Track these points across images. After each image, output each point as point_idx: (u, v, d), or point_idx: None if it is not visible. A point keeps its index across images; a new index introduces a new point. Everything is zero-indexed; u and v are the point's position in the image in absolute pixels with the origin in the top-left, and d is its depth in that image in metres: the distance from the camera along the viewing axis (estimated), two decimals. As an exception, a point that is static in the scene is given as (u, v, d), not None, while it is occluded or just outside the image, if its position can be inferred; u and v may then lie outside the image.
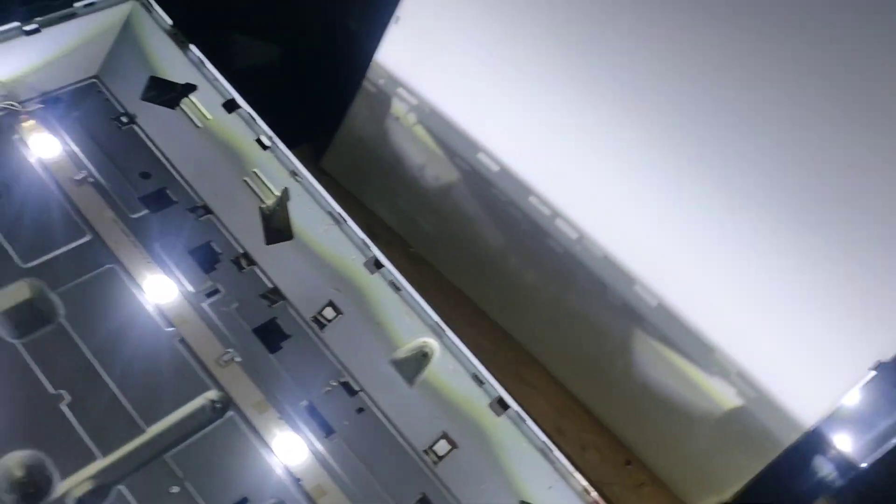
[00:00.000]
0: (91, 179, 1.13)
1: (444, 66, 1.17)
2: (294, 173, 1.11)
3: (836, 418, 1.05)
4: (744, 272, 1.04)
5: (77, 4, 1.16)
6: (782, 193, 1.00)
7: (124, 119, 1.21)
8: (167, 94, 1.20)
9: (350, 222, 1.10)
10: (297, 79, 1.35)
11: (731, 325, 1.06)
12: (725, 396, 1.09)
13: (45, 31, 1.12)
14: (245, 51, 1.38)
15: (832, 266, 1.00)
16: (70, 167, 1.14)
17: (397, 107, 1.23)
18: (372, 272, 1.06)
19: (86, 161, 1.15)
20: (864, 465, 1.02)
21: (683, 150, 1.04)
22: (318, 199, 1.11)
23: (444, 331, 1.04)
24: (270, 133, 1.15)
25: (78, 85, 1.23)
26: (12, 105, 1.16)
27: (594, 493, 0.99)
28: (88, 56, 1.21)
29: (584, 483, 0.99)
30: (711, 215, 1.04)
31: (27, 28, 1.11)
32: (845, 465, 1.05)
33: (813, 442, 1.07)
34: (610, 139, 1.09)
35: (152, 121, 1.20)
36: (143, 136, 1.21)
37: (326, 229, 1.10)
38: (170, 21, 1.18)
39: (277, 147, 1.14)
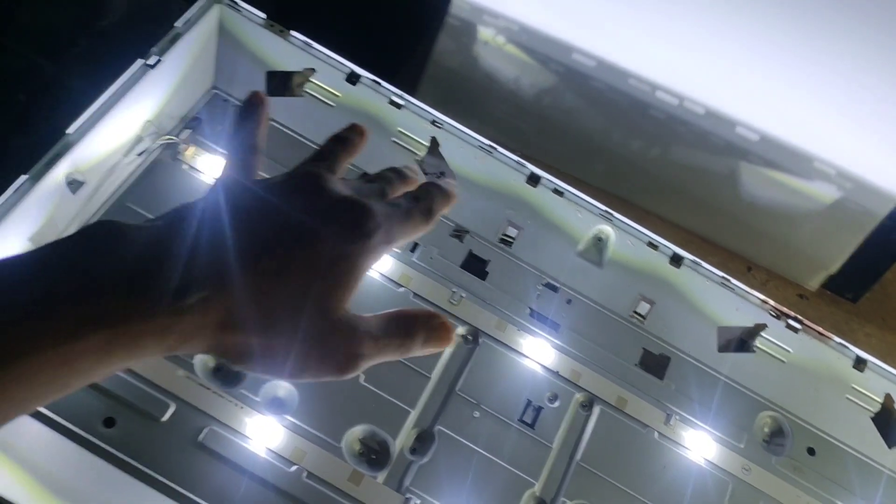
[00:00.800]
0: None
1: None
2: (434, 122, 1.22)
3: (920, 183, 1.31)
4: (825, 85, 1.25)
5: (177, 24, 1.19)
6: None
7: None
8: (289, 83, 1.26)
9: (500, 149, 1.23)
10: (381, 26, 1.43)
11: (824, 133, 1.28)
12: (825, 192, 1.33)
13: (165, 59, 1.15)
14: (330, 13, 1.44)
15: None
16: (246, 178, 1.21)
17: (484, 33, 1.34)
18: (535, 186, 1.21)
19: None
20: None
21: None
22: (463, 136, 1.23)
23: (612, 214, 1.22)
24: (399, 92, 1.25)
25: (204, 100, 1.27)
26: (171, 139, 1.20)
27: (771, 302, 1.23)
28: (200, 69, 1.26)
29: (761, 297, 1.22)
30: (787, 43, 1.23)
31: (150, 62, 1.14)
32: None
33: (902, 207, 1.32)
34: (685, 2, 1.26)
35: (287, 112, 1.27)
36: (284, 129, 1.28)
37: (482, 161, 1.23)
38: (262, 14, 1.23)
39: (411, 103, 1.24)
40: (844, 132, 1.33)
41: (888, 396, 1.24)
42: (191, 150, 1.20)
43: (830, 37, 1.25)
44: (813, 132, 1.34)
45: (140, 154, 1.18)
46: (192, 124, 1.23)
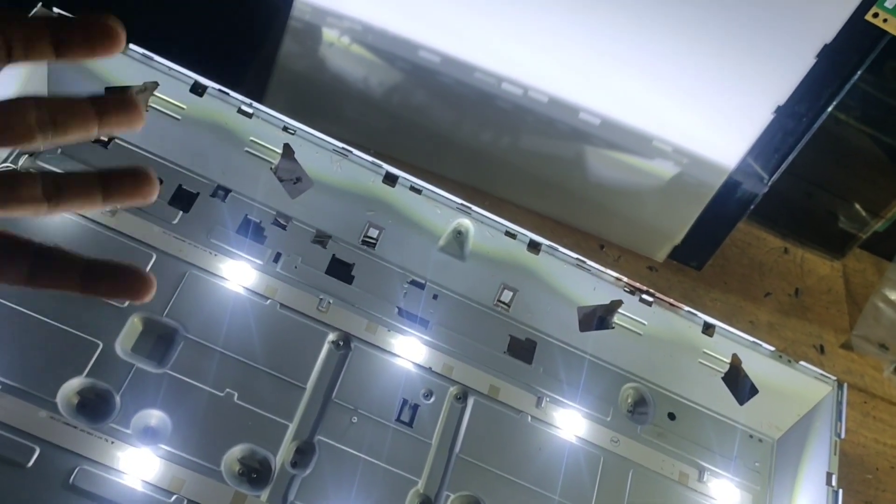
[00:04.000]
0: (119, 206, 1.17)
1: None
2: (286, 128, 1.22)
3: (748, 157, 1.42)
4: (656, 65, 1.32)
5: (3, 43, 1.13)
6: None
7: (104, 138, 1.22)
8: (131, 98, 1.22)
9: (356, 152, 1.24)
10: (222, 34, 1.40)
11: (659, 114, 1.35)
12: (665, 169, 1.41)
13: None
14: (169, 24, 1.39)
15: (721, 35, 1.30)
16: (94, 202, 1.16)
17: (329, 34, 1.33)
18: (393, 186, 1.23)
19: (102, 190, 1.18)
20: (773, 178, 1.38)
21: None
22: (317, 141, 1.23)
23: (469, 208, 1.25)
24: (248, 100, 1.23)
25: (39, 122, 1.21)
26: (7, 166, 1.14)
27: (625, 279, 1.30)
28: (33, 88, 1.20)
29: (615, 275, 1.29)
30: (618, 30, 1.30)
31: None
32: (758, 184, 1.42)
33: (735, 179, 1.43)
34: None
35: (131, 129, 1.23)
36: (130, 147, 1.24)
37: (338, 164, 1.23)
38: (94, 27, 1.18)
39: (261, 110, 1.23)
40: (677, 111, 1.41)
41: (734, 356, 1.33)
42: (30, 178, 1.14)
43: (657, 22, 1.32)
44: (649, 113, 1.41)
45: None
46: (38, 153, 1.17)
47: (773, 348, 1.32)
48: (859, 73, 1.32)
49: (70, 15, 1.12)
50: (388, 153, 1.48)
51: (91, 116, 0.47)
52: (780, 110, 1.37)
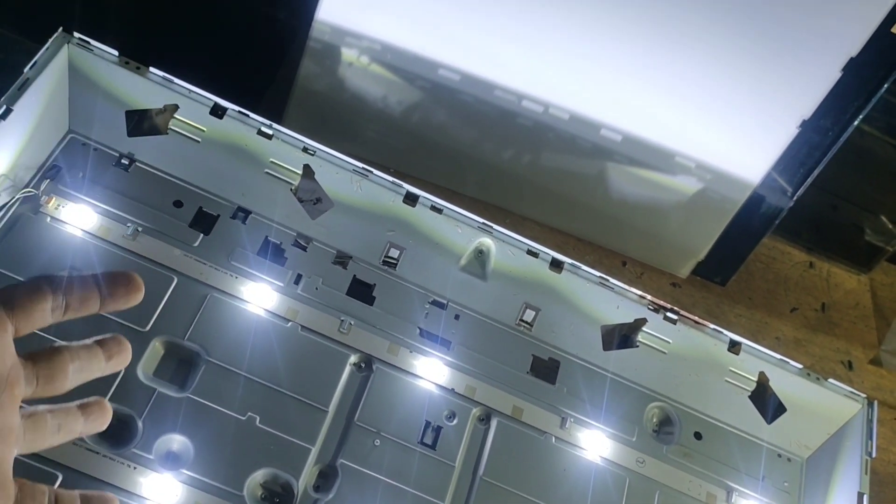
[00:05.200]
0: (140, 228, 1.17)
1: (389, 1, 1.29)
2: (306, 149, 1.21)
3: (773, 172, 1.40)
4: (678, 81, 1.31)
5: (26, 69, 1.14)
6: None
7: (125, 161, 1.22)
8: (151, 122, 1.22)
9: (376, 172, 1.24)
10: (241, 56, 1.40)
11: (682, 130, 1.34)
12: (688, 185, 1.40)
13: (15, 107, 1.10)
14: (188, 47, 1.39)
15: (743, 48, 1.28)
16: (115, 226, 1.16)
17: (348, 54, 1.33)
18: (413, 205, 1.22)
19: (123, 214, 1.18)
20: (798, 192, 1.37)
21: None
22: (337, 162, 1.22)
23: (491, 227, 1.24)
24: (268, 122, 1.23)
25: (61, 146, 1.22)
26: (30, 191, 1.14)
27: (649, 297, 1.28)
28: (54, 114, 1.20)
29: (638, 293, 1.27)
30: (641, 47, 1.29)
31: None
32: (783, 199, 1.40)
33: (759, 194, 1.41)
34: (542, 14, 1.29)
35: (152, 152, 1.23)
36: (151, 170, 1.24)
37: (358, 185, 1.23)
38: (115, 52, 1.19)
39: (280, 132, 1.23)
40: (700, 127, 1.40)
41: (762, 374, 1.31)
42: (53, 202, 1.15)
43: (679, 38, 1.31)
44: (672, 129, 1.39)
45: (-3, 212, 1.12)
46: (50, 173, 1.17)
47: (800, 366, 1.30)
48: (886, 86, 1.30)
49: (90, 41, 1.12)
50: (409, 172, 1.47)
51: (97, 299, 0.57)
52: (805, 125, 1.35)
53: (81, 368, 0.57)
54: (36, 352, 0.58)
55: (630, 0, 1.28)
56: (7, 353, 0.54)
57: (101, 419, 0.63)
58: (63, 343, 0.59)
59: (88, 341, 0.61)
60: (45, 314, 0.56)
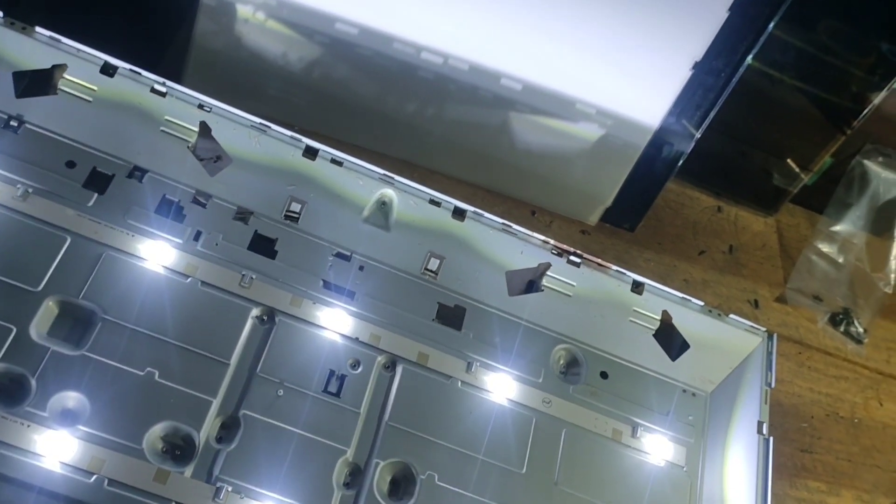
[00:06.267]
0: (31, 190, 1.16)
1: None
2: (201, 106, 1.21)
3: (671, 115, 1.42)
4: (573, 28, 1.32)
5: None
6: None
7: (14, 123, 1.21)
8: (40, 83, 1.21)
9: (274, 127, 1.24)
10: (133, 15, 1.38)
11: (580, 77, 1.36)
12: (590, 131, 1.41)
13: None
14: (77, 7, 1.37)
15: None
16: (4, 188, 1.15)
17: (243, 10, 1.33)
18: (313, 159, 1.22)
19: (13, 176, 1.16)
20: (697, 134, 1.39)
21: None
22: (234, 118, 1.22)
23: (392, 178, 1.25)
24: (161, 79, 1.22)
25: (-56, 111, 1.20)
26: (-88, 155, 1.13)
27: (552, 242, 1.30)
28: (-64, 78, 1.18)
29: (542, 238, 1.29)
30: None
31: None
32: (683, 142, 1.42)
33: (660, 138, 1.44)
34: None
35: (42, 113, 1.21)
36: (41, 131, 1.22)
37: (256, 140, 1.23)
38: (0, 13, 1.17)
39: (175, 89, 1.22)
40: (597, 74, 1.42)
41: (665, 312, 1.34)
42: (-63, 166, 1.12)
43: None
44: (570, 76, 1.41)
45: None
46: (-68, 140, 1.15)
47: (702, 303, 1.33)
48: (772, 24, 1.33)
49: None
50: (313, 129, 1.47)
51: None
52: (697, 66, 1.38)
53: None
54: None
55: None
56: None
57: None
58: None
59: None
60: None
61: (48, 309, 1.10)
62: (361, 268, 1.29)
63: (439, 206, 1.27)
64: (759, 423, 1.25)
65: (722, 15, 1.30)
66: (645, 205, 1.56)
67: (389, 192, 1.28)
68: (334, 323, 1.22)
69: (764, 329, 1.32)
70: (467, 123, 1.47)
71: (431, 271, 1.32)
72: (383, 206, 1.29)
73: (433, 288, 1.31)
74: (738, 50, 1.35)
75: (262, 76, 1.43)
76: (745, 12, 1.30)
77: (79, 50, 1.20)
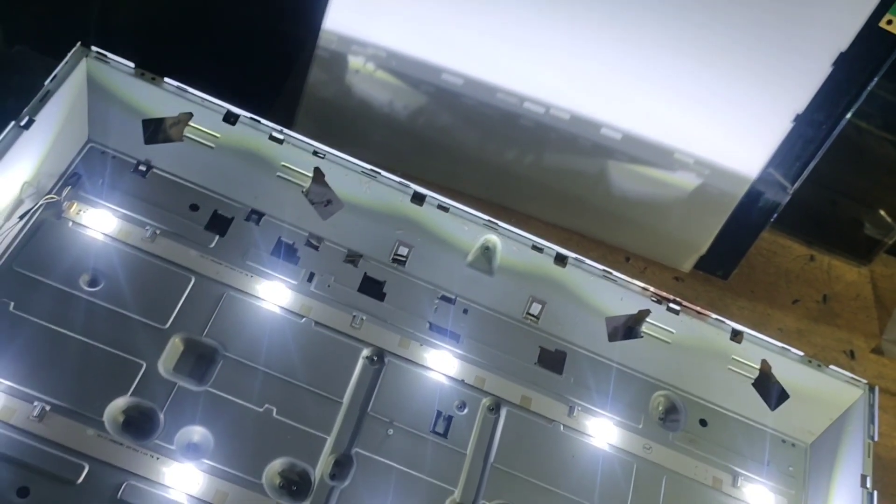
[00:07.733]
0: (158, 231, 1.22)
1: (393, 10, 1.34)
2: (316, 153, 1.26)
3: (770, 166, 1.43)
4: (674, 79, 1.34)
5: (46, 83, 1.18)
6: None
7: (142, 168, 1.27)
8: (167, 130, 1.27)
9: (384, 173, 1.28)
10: (251, 65, 1.45)
11: (680, 127, 1.38)
12: (687, 180, 1.43)
13: (37, 118, 1.15)
14: (201, 58, 1.44)
15: (735, 49, 1.32)
16: (135, 229, 1.21)
17: (354, 62, 1.38)
18: (420, 205, 1.26)
19: (142, 218, 1.23)
20: (795, 185, 1.40)
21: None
22: (346, 165, 1.27)
23: (496, 224, 1.28)
24: (279, 127, 1.27)
25: (81, 154, 1.27)
26: (52, 198, 1.19)
27: (652, 289, 1.32)
28: (74, 124, 1.25)
29: (641, 285, 1.31)
30: (638, 47, 1.33)
31: (22, 123, 1.13)
32: (780, 192, 1.43)
33: (757, 189, 1.45)
34: (539, 23, 1.33)
35: (168, 158, 1.28)
36: (167, 175, 1.29)
37: (367, 186, 1.27)
38: (131, 64, 1.24)
39: (291, 136, 1.27)
40: (697, 124, 1.44)
41: (764, 362, 1.35)
42: (74, 207, 1.19)
43: (674, 37, 1.35)
44: (669, 126, 1.43)
45: (22, 217, 1.16)
46: (71, 180, 1.22)
47: (801, 353, 1.33)
48: (876, 79, 1.34)
49: (107, 54, 1.17)
50: (416, 174, 1.51)
51: None
52: (799, 119, 1.39)
53: None
54: None
55: (626, 2, 1.33)
56: None
57: None
58: None
59: None
60: None
61: (174, 346, 1.15)
62: (466, 311, 1.32)
63: (542, 252, 1.30)
64: (863, 477, 1.24)
65: (826, 69, 1.32)
66: (739, 253, 1.57)
67: (493, 238, 1.31)
68: (440, 364, 1.25)
69: (865, 381, 1.32)
70: (566, 170, 1.50)
71: (533, 315, 1.34)
72: (487, 252, 1.32)
73: (535, 332, 1.33)
74: (839, 103, 1.36)
75: (368, 123, 1.49)
76: (850, 67, 1.32)
77: (203, 99, 1.26)
